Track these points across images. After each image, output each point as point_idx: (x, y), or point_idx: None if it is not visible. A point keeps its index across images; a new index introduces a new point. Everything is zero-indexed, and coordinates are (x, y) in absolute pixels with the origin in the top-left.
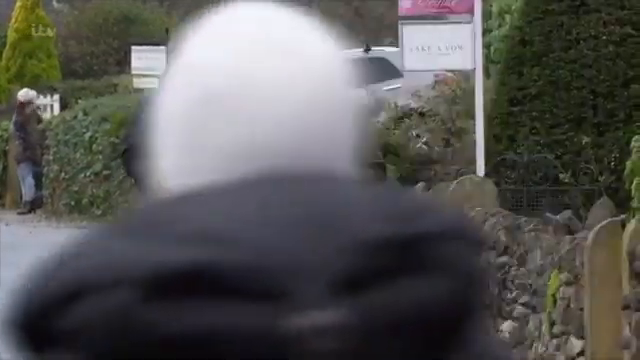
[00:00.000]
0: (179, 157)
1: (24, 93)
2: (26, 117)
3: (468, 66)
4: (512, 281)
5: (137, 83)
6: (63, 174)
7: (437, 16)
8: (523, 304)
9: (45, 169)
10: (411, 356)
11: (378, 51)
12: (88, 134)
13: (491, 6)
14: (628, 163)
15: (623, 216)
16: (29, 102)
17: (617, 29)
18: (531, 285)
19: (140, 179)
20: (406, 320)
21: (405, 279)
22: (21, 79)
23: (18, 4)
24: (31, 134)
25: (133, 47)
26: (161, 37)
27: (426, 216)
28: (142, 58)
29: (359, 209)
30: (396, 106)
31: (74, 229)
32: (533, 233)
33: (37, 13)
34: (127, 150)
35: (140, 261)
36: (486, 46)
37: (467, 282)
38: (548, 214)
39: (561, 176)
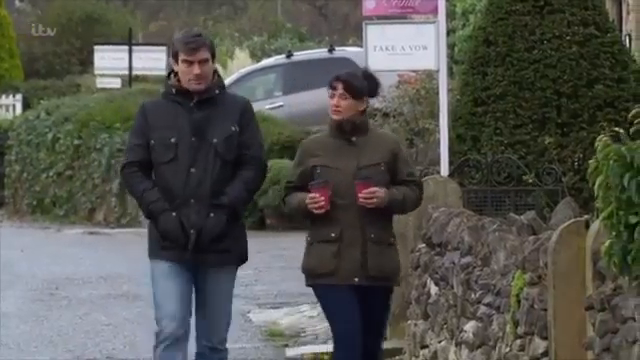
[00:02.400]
0: None
1: None
2: None
3: (432, 66)
4: (476, 281)
5: (100, 83)
6: (25, 174)
7: (401, 16)
8: (487, 304)
9: (7, 169)
10: None
11: (342, 51)
12: (50, 134)
13: (455, 6)
14: (592, 163)
15: (587, 216)
16: None
17: (581, 29)
18: (495, 285)
19: (139, 197)
20: None
21: None
22: None
23: None
24: None
25: (96, 47)
26: (124, 37)
27: None
28: (105, 58)
29: None
30: None
31: (37, 229)
32: (497, 233)
33: None
34: (125, 166)
35: None
36: (450, 46)
37: None
38: (512, 214)
39: (525, 176)
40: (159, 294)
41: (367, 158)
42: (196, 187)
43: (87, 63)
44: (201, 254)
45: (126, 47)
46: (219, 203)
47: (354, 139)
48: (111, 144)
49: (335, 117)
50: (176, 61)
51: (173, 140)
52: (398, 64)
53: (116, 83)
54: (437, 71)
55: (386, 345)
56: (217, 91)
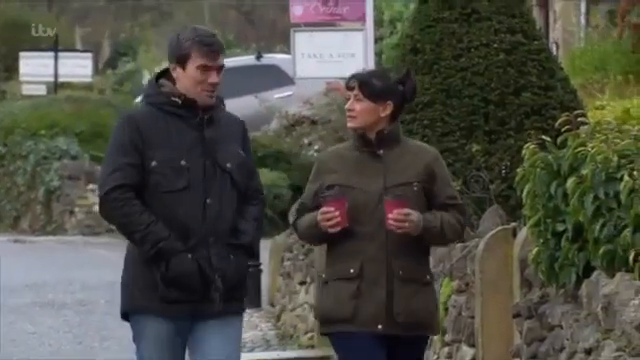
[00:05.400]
0: None
1: None
2: None
3: None
4: None
5: (26, 89)
6: None
7: (329, 23)
8: None
9: None
10: None
11: (269, 58)
12: None
13: (383, 14)
14: (519, 171)
15: (514, 224)
16: None
17: (508, 37)
18: None
19: (141, 230)
20: None
21: None
22: None
23: None
24: None
25: (21, 53)
26: (50, 43)
27: None
28: (30, 64)
29: None
30: (287, 114)
31: None
32: None
33: None
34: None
35: None
36: (378, 54)
37: None
38: None
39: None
40: None
41: (396, 176)
42: (214, 223)
43: (12, 70)
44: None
45: (52, 54)
46: (239, 243)
47: (381, 152)
48: (36, 151)
49: (350, 124)
50: (181, 65)
51: (183, 163)
52: (326, 71)
53: (41, 90)
54: None
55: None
56: (222, 106)
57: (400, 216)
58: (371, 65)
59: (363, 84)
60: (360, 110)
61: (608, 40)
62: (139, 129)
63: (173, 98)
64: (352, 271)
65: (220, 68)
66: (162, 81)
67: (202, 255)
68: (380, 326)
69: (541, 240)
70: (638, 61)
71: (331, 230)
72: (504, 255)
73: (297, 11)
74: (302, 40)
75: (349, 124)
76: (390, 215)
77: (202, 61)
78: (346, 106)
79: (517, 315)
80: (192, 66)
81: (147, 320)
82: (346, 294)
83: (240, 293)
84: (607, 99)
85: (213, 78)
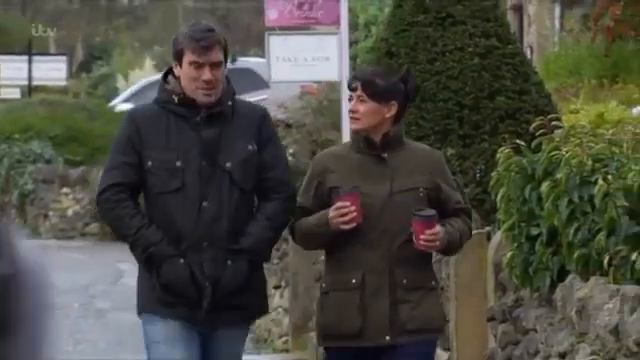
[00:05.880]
0: None
1: None
2: None
3: (334, 77)
4: None
5: (0, 93)
6: None
7: (304, 27)
8: None
9: None
10: None
11: (244, 62)
12: None
13: (358, 17)
14: (493, 175)
15: (489, 228)
16: None
17: (482, 41)
18: None
19: (132, 234)
20: None
21: None
22: None
23: None
24: None
25: None
26: (23, 47)
27: None
28: (4, 68)
29: None
30: None
31: None
32: None
33: None
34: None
35: None
36: (353, 57)
37: None
38: None
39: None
40: None
41: (403, 181)
42: (210, 226)
43: None
44: (214, 312)
45: (26, 57)
46: (239, 248)
47: (386, 155)
48: (10, 155)
49: (353, 126)
50: (179, 62)
51: (179, 164)
52: (301, 75)
53: (16, 93)
54: (339, 82)
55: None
56: (229, 102)
57: (432, 236)
58: (346, 69)
59: (366, 84)
60: (364, 112)
61: (582, 44)
62: (138, 128)
63: (173, 96)
64: (354, 281)
65: (216, 64)
66: (169, 78)
67: (194, 260)
68: (388, 337)
69: (515, 244)
70: (612, 65)
71: (345, 227)
72: (478, 259)
73: (272, 15)
74: (277, 44)
75: (352, 126)
76: (422, 236)
77: (192, 57)
78: (349, 107)
79: (491, 319)
80: (185, 63)
81: (151, 323)
82: (350, 308)
83: (242, 301)
84: (581, 103)
85: (206, 75)
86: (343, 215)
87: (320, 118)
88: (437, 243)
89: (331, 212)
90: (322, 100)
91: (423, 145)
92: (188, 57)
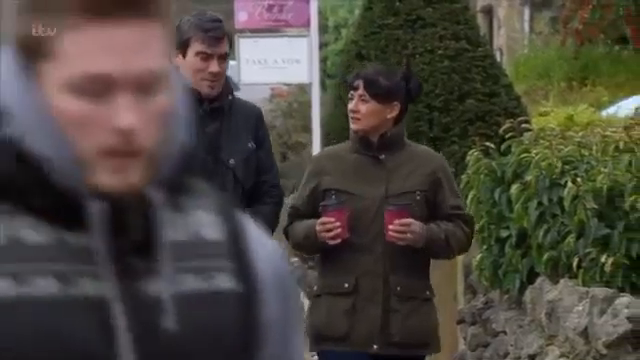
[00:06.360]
0: None
1: None
2: None
3: (305, 80)
4: None
5: None
6: None
7: (273, 29)
8: None
9: None
10: None
11: None
12: None
13: (327, 20)
14: (463, 177)
15: None
16: None
17: (452, 44)
18: None
19: None
20: None
21: None
22: None
23: None
24: None
25: None
26: None
27: None
28: None
29: None
30: None
31: None
32: None
33: None
34: None
35: None
36: (323, 60)
37: None
38: None
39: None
40: None
41: (399, 183)
42: None
43: None
44: None
45: None
46: None
47: (383, 157)
48: None
49: (354, 126)
50: (183, 52)
51: None
52: (271, 77)
53: None
54: (310, 84)
55: None
56: (230, 97)
57: (401, 227)
58: (316, 71)
59: (369, 84)
60: (366, 112)
61: (552, 47)
62: None
63: None
64: (347, 285)
65: (223, 56)
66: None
67: None
68: (375, 346)
69: (485, 246)
70: (581, 68)
71: (331, 242)
72: (448, 261)
73: (242, 17)
74: (247, 46)
75: (353, 126)
76: (390, 226)
77: (201, 47)
78: (350, 107)
79: (461, 321)
80: (191, 53)
81: None
82: (340, 310)
83: None
84: (551, 105)
85: (214, 67)
86: (328, 230)
87: (290, 120)
88: (408, 235)
89: (317, 226)
90: (292, 102)
91: (425, 147)
92: (195, 47)
